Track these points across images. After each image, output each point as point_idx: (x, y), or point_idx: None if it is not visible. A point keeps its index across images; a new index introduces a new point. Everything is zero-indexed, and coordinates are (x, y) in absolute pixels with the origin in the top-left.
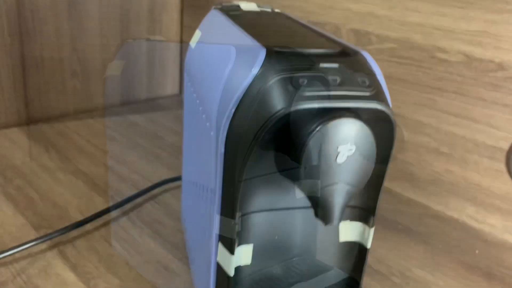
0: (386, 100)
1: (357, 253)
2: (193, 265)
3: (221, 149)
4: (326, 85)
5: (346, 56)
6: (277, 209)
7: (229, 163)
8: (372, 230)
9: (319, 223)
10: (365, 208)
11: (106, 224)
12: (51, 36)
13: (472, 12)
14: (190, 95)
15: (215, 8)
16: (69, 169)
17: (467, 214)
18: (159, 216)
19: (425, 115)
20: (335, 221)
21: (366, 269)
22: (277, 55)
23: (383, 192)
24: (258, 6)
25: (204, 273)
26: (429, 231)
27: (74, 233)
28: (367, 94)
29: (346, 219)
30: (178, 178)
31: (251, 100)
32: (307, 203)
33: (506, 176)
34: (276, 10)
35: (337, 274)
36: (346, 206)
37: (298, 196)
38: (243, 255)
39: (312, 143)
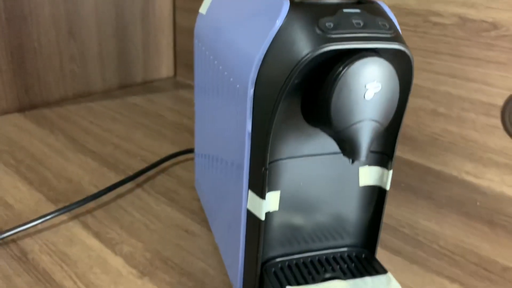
0: (405, 42)
1: (377, 196)
2: (215, 223)
3: (250, 97)
4: (351, 27)
5: (365, 3)
6: (302, 156)
7: (260, 110)
8: (391, 172)
9: (341, 170)
10: (383, 152)
11: (121, 196)
12: (47, 20)
13: None
14: (205, 59)
15: None
16: (77, 148)
17: (465, 171)
18: (172, 186)
19: (422, 78)
20: (363, 157)
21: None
22: (301, 5)
23: (400, 134)
24: None
25: (231, 224)
26: (431, 188)
27: (92, 204)
28: (388, 36)
29: (365, 164)
30: (188, 151)
31: (279, 46)
32: (330, 149)
33: (502, 131)
34: None
35: (358, 218)
36: (372, 143)
37: (326, 142)
38: (272, 201)
39: (341, 82)
